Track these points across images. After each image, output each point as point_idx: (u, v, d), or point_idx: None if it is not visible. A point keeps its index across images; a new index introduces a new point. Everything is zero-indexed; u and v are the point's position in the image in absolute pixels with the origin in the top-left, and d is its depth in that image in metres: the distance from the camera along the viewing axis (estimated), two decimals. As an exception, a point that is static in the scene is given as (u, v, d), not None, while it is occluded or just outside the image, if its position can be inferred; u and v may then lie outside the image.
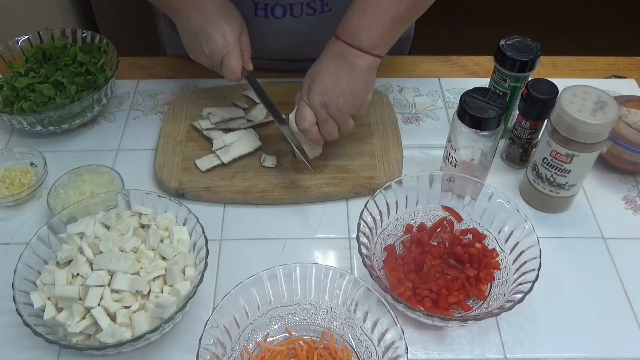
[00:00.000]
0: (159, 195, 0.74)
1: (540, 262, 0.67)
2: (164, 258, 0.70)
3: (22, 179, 0.84)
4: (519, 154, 0.87)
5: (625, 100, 0.87)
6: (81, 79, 0.93)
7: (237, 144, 0.88)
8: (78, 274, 0.67)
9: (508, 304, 0.64)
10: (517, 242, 0.72)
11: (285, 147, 0.89)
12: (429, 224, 0.78)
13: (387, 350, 0.62)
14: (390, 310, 0.63)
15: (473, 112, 0.73)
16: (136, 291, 0.66)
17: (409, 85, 1.03)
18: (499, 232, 0.75)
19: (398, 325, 0.62)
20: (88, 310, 0.64)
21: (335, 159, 0.87)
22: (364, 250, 0.68)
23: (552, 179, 0.78)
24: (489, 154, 0.79)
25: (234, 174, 0.85)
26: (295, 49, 0.97)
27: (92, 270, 0.67)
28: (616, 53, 1.10)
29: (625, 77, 1.05)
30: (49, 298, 0.66)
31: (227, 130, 0.91)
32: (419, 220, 0.79)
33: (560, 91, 0.76)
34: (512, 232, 0.73)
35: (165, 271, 0.68)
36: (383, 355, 0.63)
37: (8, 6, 1.51)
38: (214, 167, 0.86)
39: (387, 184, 0.75)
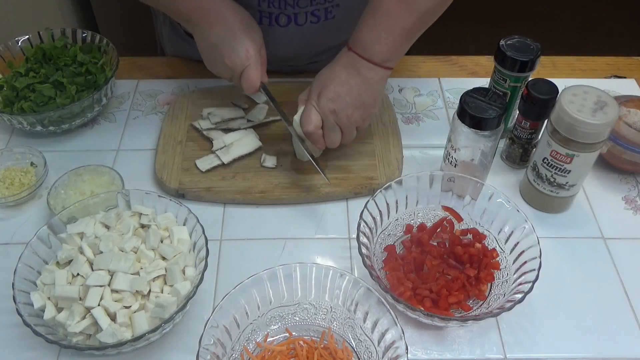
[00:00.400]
0: (159, 196, 0.74)
1: (540, 262, 0.67)
2: (164, 258, 0.70)
3: (22, 179, 0.84)
4: (519, 154, 0.87)
5: (625, 100, 0.87)
6: (81, 79, 0.93)
7: (237, 144, 0.88)
8: (78, 274, 0.67)
9: (508, 304, 0.65)
10: (517, 242, 0.72)
11: (286, 148, 0.89)
12: (429, 224, 0.78)
13: (387, 350, 0.62)
14: (391, 310, 0.63)
15: (473, 112, 0.73)
16: (136, 291, 0.66)
17: (409, 85, 1.03)
18: (499, 232, 0.75)
19: (398, 325, 0.62)
20: (88, 310, 0.64)
21: (335, 159, 0.87)
22: (364, 250, 0.68)
23: (552, 179, 0.78)
24: (489, 154, 0.79)
25: (234, 174, 0.85)
26: (299, 54, 0.98)
27: (92, 270, 0.67)
28: (616, 53, 1.10)
29: (625, 77, 1.05)
30: (49, 298, 0.66)
31: (227, 131, 0.91)
32: (419, 220, 0.79)
33: (560, 91, 0.76)
34: (512, 232, 0.73)
35: (166, 271, 0.68)
36: (383, 355, 0.63)
37: (8, 6, 1.51)
38: (214, 168, 0.86)
39: (387, 184, 0.75)
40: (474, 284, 0.72)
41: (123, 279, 0.66)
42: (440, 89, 1.03)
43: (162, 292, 0.67)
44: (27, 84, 0.90)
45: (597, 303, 0.73)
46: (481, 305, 0.71)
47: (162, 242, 0.71)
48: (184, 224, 0.73)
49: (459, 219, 0.78)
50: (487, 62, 1.08)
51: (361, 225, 0.71)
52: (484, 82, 0.92)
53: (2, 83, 0.93)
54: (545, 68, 1.06)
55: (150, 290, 0.67)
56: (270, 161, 0.87)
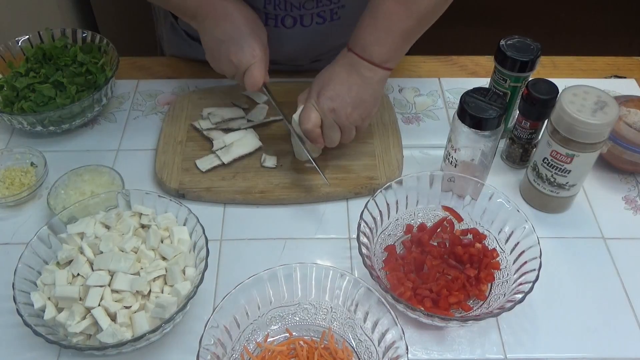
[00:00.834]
0: (159, 196, 0.74)
1: (540, 262, 0.67)
2: (164, 258, 0.70)
3: (22, 179, 0.84)
4: (519, 154, 0.87)
5: (625, 100, 0.87)
6: (81, 79, 0.93)
7: (237, 144, 0.88)
8: (78, 274, 0.67)
9: (508, 304, 0.65)
10: (518, 242, 0.72)
11: (286, 148, 0.89)
12: (429, 224, 0.78)
13: (388, 351, 0.62)
14: (391, 311, 0.63)
15: (473, 112, 0.73)
16: (136, 291, 0.66)
17: (409, 85, 1.03)
18: (499, 232, 0.75)
19: (398, 325, 0.62)
20: (88, 310, 0.64)
21: (335, 159, 0.87)
22: (364, 250, 0.68)
23: (552, 179, 0.78)
24: (489, 154, 0.79)
25: (234, 175, 0.85)
26: (303, 54, 0.98)
27: (93, 270, 0.67)
28: (616, 53, 1.10)
29: (625, 77, 1.05)
30: (49, 298, 0.66)
31: (227, 131, 0.91)
32: (419, 220, 0.79)
33: (560, 91, 0.76)
34: (512, 232, 0.73)
35: (166, 271, 0.68)
36: (383, 356, 0.63)
37: (8, 6, 1.50)
38: (214, 168, 0.86)
39: (387, 184, 0.75)
40: (474, 284, 0.72)
41: (123, 279, 0.66)
42: (441, 89, 1.03)
43: (162, 292, 0.67)
44: (27, 84, 0.90)
45: (597, 303, 0.73)
46: (481, 305, 0.71)
47: (162, 242, 0.71)
48: (184, 224, 0.73)
49: (459, 219, 0.78)
50: (487, 62, 1.08)
51: (361, 225, 0.71)
52: (484, 82, 0.92)
53: (2, 83, 0.93)
54: (545, 68, 1.06)
55: (150, 291, 0.67)
56: (270, 161, 0.87)
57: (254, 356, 0.66)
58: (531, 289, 0.65)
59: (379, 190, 0.74)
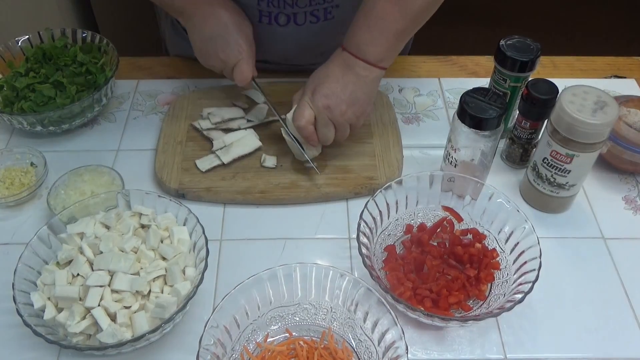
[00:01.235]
0: (159, 196, 0.74)
1: (540, 262, 0.67)
2: (164, 258, 0.70)
3: (22, 179, 0.84)
4: (519, 154, 0.87)
5: (625, 100, 0.87)
6: (81, 79, 0.93)
7: (237, 144, 0.88)
8: (78, 274, 0.67)
9: (508, 304, 0.65)
10: (517, 242, 0.72)
11: (286, 148, 0.89)
12: (429, 224, 0.78)
13: (388, 351, 0.62)
14: (391, 311, 0.63)
15: (473, 112, 0.73)
16: (136, 291, 0.66)
17: (409, 85, 1.03)
18: (499, 232, 0.75)
19: (398, 325, 0.62)
20: (88, 310, 0.64)
21: (335, 159, 0.87)
22: (364, 251, 0.68)
23: (552, 179, 0.78)
24: (489, 154, 0.79)
25: (234, 175, 0.85)
26: (298, 54, 0.98)
27: (92, 270, 0.67)
28: (616, 53, 1.10)
29: (625, 77, 1.05)
30: (49, 298, 0.66)
31: (227, 131, 0.91)
32: (419, 220, 0.79)
33: (560, 91, 0.76)
34: (512, 232, 0.73)
35: (166, 271, 0.68)
36: (383, 356, 0.63)
37: (8, 6, 1.50)
38: (214, 168, 0.86)
39: (387, 184, 0.75)
40: (474, 284, 0.72)
41: (123, 279, 0.66)
42: (440, 89, 1.03)
43: (162, 292, 0.67)
44: (27, 84, 0.90)
45: (597, 303, 0.73)
46: (481, 305, 0.71)
47: (162, 242, 0.71)
48: (184, 224, 0.73)
49: (459, 219, 0.78)
50: (487, 62, 1.08)
51: (361, 225, 0.71)
52: (484, 82, 0.92)
53: (2, 83, 0.93)
54: (545, 68, 1.06)
55: (150, 291, 0.67)
56: (270, 161, 0.87)
57: (254, 356, 0.66)
58: (531, 289, 0.65)
59: (378, 190, 0.74)
